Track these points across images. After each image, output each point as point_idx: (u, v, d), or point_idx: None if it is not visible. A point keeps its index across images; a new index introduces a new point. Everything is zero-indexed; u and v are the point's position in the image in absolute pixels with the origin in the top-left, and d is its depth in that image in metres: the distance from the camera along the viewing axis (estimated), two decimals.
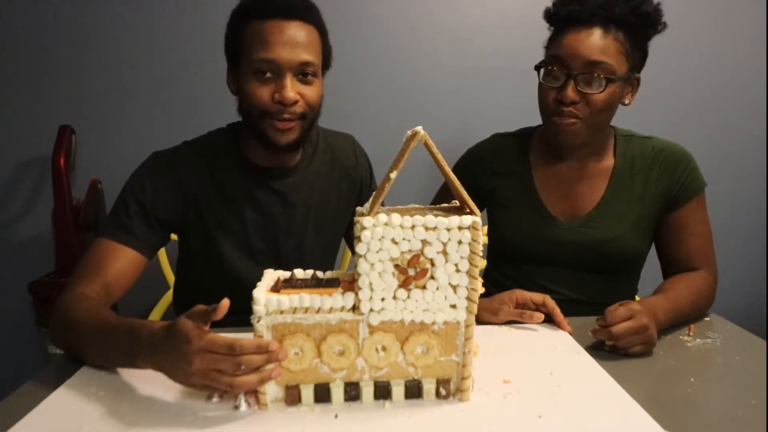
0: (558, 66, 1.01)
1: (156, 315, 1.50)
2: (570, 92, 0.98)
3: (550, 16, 1.06)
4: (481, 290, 0.70)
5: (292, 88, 0.93)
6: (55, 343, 0.89)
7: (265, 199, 1.07)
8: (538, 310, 0.98)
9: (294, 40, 0.92)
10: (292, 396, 0.70)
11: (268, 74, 0.93)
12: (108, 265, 0.93)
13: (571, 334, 0.93)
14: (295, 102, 0.94)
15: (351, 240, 1.25)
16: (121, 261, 0.95)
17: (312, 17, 0.97)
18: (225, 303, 0.65)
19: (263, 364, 0.65)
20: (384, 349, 0.70)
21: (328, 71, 1.06)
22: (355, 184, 1.19)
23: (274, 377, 0.67)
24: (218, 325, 1.15)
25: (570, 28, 1.01)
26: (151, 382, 0.76)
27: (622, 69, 1.00)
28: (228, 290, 1.11)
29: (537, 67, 1.06)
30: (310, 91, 0.96)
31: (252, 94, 0.94)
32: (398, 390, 0.70)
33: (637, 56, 1.03)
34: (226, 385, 0.65)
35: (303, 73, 0.94)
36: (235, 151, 1.06)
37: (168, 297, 1.62)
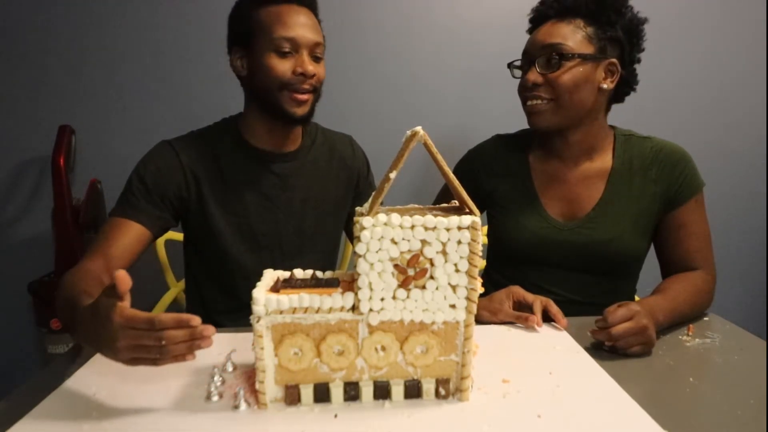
0: (523, 58, 1.10)
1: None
2: (530, 75, 1.06)
3: (529, 28, 1.15)
4: (481, 290, 0.70)
5: (310, 63, 1.04)
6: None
7: (265, 181, 1.13)
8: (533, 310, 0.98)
9: (308, 23, 1.05)
10: (292, 396, 0.70)
11: (288, 51, 1.02)
12: (113, 238, 1.00)
13: (565, 328, 0.94)
14: (313, 75, 1.04)
15: (351, 234, 1.27)
16: (126, 234, 1.01)
17: (315, 8, 1.09)
18: (121, 273, 0.64)
19: (187, 338, 0.63)
20: (383, 348, 0.70)
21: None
22: (352, 174, 1.25)
23: (204, 347, 0.64)
24: (221, 323, 1.16)
25: (534, 29, 1.11)
26: (150, 383, 0.76)
27: (583, 50, 1.04)
28: (231, 276, 1.14)
29: (509, 66, 1.14)
30: (320, 69, 1.07)
31: (273, 68, 1.03)
32: (398, 390, 0.71)
33: (606, 41, 1.05)
34: (151, 361, 0.65)
35: (314, 51, 1.05)
36: (238, 136, 1.13)
37: (168, 297, 1.62)
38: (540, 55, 1.05)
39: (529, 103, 1.08)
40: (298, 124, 1.11)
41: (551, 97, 1.05)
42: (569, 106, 1.06)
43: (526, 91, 1.08)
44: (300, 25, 1.02)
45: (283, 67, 1.02)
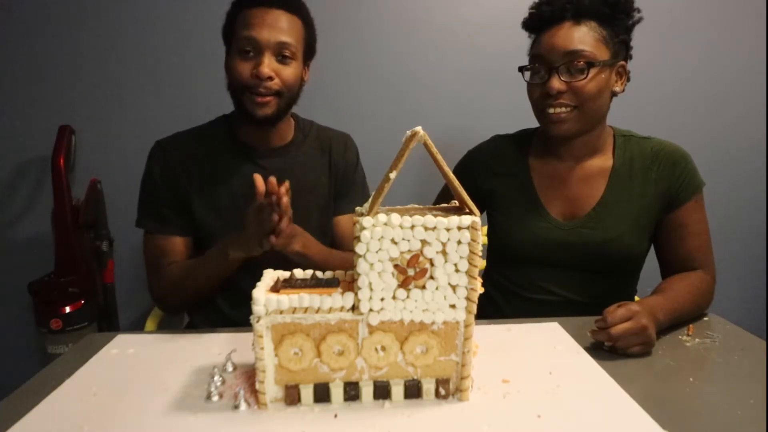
0: (539, 63, 1.05)
1: (156, 316, 1.50)
2: (554, 83, 1.02)
3: (527, 24, 1.11)
4: (481, 290, 0.70)
5: (268, 65, 1.01)
6: (167, 305, 1.16)
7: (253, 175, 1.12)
8: None
9: (275, 23, 1.02)
10: (292, 396, 0.70)
11: (250, 52, 1.02)
12: (164, 258, 1.09)
13: None
14: (270, 78, 1.02)
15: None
16: (172, 249, 1.11)
17: (296, 9, 1.06)
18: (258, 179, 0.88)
19: (274, 208, 0.87)
20: (383, 348, 0.70)
21: (313, 60, 1.14)
22: (338, 170, 1.23)
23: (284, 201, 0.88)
24: (220, 322, 1.15)
25: (545, 28, 1.05)
26: (151, 383, 0.76)
27: (602, 56, 1.02)
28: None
29: (521, 69, 1.09)
30: (287, 71, 1.04)
31: (234, 70, 1.03)
32: (398, 390, 0.71)
33: (618, 44, 1.05)
34: (268, 227, 0.89)
35: (281, 53, 1.03)
36: (229, 133, 1.15)
37: None
38: (562, 62, 1.01)
39: (551, 111, 1.04)
40: (262, 125, 1.08)
41: (575, 104, 1.03)
42: (591, 113, 1.05)
43: (548, 99, 1.03)
44: (264, 26, 1.01)
45: (244, 68, 1.02)
